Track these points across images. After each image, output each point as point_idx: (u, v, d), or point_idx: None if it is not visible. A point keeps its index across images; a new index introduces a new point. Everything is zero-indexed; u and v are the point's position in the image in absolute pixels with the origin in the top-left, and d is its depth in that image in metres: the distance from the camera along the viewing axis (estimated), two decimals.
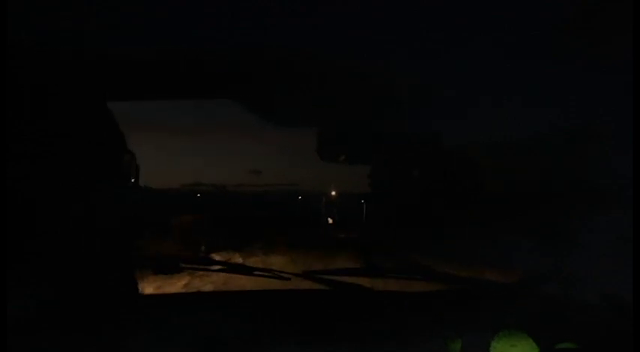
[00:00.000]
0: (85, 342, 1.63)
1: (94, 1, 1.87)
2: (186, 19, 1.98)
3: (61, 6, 1.81)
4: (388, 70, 2.18)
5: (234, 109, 2.49)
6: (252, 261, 2.68)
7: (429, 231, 2.58)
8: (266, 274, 2.08)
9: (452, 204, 2.51)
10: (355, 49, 2.09)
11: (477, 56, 2.13)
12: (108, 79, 2.11)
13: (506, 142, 2.38)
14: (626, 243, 1.68)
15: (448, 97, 2.27)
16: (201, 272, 2.31)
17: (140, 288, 2.10)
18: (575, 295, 1.93)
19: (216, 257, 2.68)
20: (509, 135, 2.32)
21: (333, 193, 3.17)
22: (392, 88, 2.30)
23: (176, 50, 2.03)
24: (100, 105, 2.14)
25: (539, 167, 2.37)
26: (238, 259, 2.72)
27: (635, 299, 1.55)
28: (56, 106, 1.95)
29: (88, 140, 2.03)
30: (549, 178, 2.33)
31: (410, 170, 2.62)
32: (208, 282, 2.29)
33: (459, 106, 2.28)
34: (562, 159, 2.32)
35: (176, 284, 2.30)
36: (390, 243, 2.68)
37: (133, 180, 2.18)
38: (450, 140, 2.52)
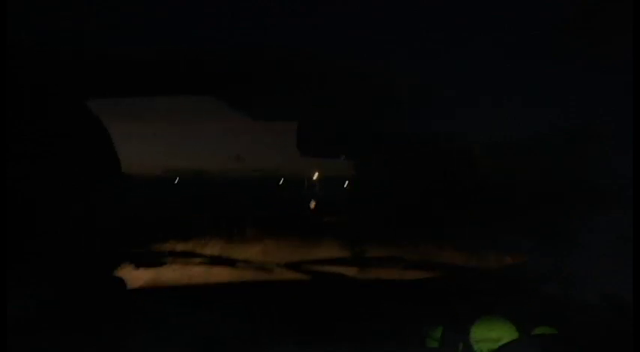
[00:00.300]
0: (85, 342, 1.63)
1: (94, 1, 1.87)
2: (186, 19, 1.98)
3: (61, 6, 1.81)
4: (388, 70, 2.18)
5: (226, 100, 2.46)
6: (232, 250, 2.62)
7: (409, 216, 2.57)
8: (248, 266, 2.04)
9: (440, 198, 2.51)
10: (355, 49, 2.09)
11: (476, 56, 2.13)
12: (108, 78, 2.11)
13: (507, 142, 2.38)
14: (626, 243, 1.68)
15: (448, 97, 2.27)
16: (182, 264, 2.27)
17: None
18: (574, 295, 1.93)
19: (197, 247, 2.63)
20: (510, 135, 2.32)
21: (316, 177, 3.11)
22: (392, 88, 2.30)
23: (176, 50, 2.03)
24: (98, 104, 2.15)
25: (539, 167, 2.37)
26: (220, 249, 2.67)
27: (635, 299, 1.55)
28: (56, 106, 1.95)
29: (86, 139, 2.03)
30: (549, 178, 2.33)
31: (392, 157, 2.61)
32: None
33: (459, 106, 2.28)
34: (562, 159, 2.32)
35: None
36: (373, 225, 2.67)
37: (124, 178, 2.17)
38: (449, 140, 2.52)
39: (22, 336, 1.54)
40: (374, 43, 2.10)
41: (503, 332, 1.63)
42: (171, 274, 2.29)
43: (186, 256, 2.23)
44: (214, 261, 2.12)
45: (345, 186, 2.93)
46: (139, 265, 2.12)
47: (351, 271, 2.11)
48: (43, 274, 1.79)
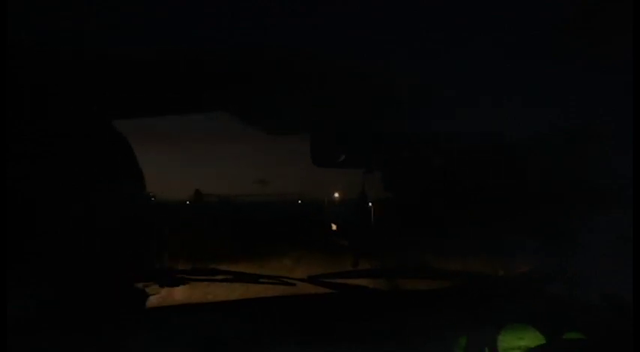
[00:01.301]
0: (85, 342, 1.63)
1: (94, 1, 1.87)
2: (186, 19, 1.98)
3: (61, 6, 1.81)
4: (388, 70, 2.18)
5: (233, 116, 2.45)
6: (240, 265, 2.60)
7: (438, 234, 2.57)
8: (270, 281, 2.01)
9: (455, 205, 2.50)
10: (355, 49, 2.09)
11: (477, 56, 2.13)
12: (108, 79, 2.11)
13: (506, 142, 2.38)
14: (626, 243, 1.68)
15: (448, 97, 2.27)
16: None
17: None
18: (574, 295, 1.93)
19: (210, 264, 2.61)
20: (510, 135, 2.32)
21: (337, 197, 3.04)
22: (392, 88, 2.30)
23: (176, 50, 2.03)
24: (99, 105, 2.14)
25: (539, 167, 2.37)
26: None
27: (635, 299, 1.55)
28: (56, 106, 1.95)
29: (89, 140, 2.03)
30: (549, 178, 2.33)
31: (413, 171, 2.60)
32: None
33: (459, 106, 2.28)
34: (562, 159, 2.32)
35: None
36: (401, 249, 2.65)
37: (133, 184, 2.17)
38: (449, 140, 2.52)
39: (22, 336, 1.54)
40: (374, 43, 2.10)
41: (531, 339, 1.63)
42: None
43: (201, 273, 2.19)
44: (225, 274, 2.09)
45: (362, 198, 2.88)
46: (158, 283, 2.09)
47: (365, 281, 2.11)
48: (43, 274, 1.78)
